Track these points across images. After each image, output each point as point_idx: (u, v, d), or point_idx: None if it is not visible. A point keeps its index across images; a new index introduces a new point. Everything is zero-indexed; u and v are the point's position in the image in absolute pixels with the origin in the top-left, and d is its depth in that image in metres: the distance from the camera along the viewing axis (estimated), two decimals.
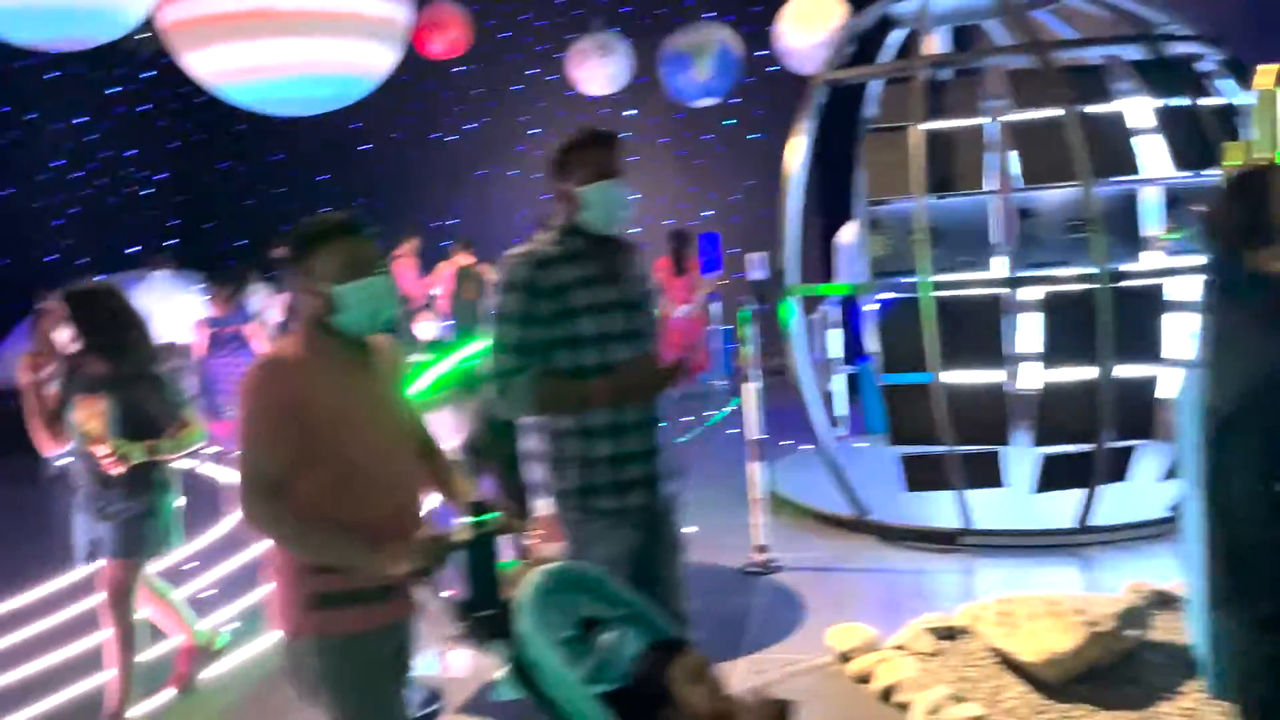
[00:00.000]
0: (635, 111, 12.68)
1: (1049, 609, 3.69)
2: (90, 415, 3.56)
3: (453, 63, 10.94)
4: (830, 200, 8.10)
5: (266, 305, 9.55)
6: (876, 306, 7.69)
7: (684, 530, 2.86)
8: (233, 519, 6.94)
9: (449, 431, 4.69)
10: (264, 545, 6.00)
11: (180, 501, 3.96)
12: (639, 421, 2.63)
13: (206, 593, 5.45)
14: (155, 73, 13.14)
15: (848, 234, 8.42)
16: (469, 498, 2.23)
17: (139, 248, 12.77)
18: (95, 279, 3.85)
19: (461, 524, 1.94)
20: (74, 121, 12.73)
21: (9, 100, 10.52)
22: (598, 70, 9.19)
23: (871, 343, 7.58)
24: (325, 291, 2.20)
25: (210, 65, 6.25)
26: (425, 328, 10.73)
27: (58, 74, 12.28)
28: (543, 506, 1.97)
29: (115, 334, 3.65)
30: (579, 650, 1.70)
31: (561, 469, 2.63)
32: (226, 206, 13.60)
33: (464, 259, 10.57)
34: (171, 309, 8.41)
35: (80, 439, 3.61)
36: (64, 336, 3.62)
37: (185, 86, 13.25)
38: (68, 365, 3.67)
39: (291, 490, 2.11)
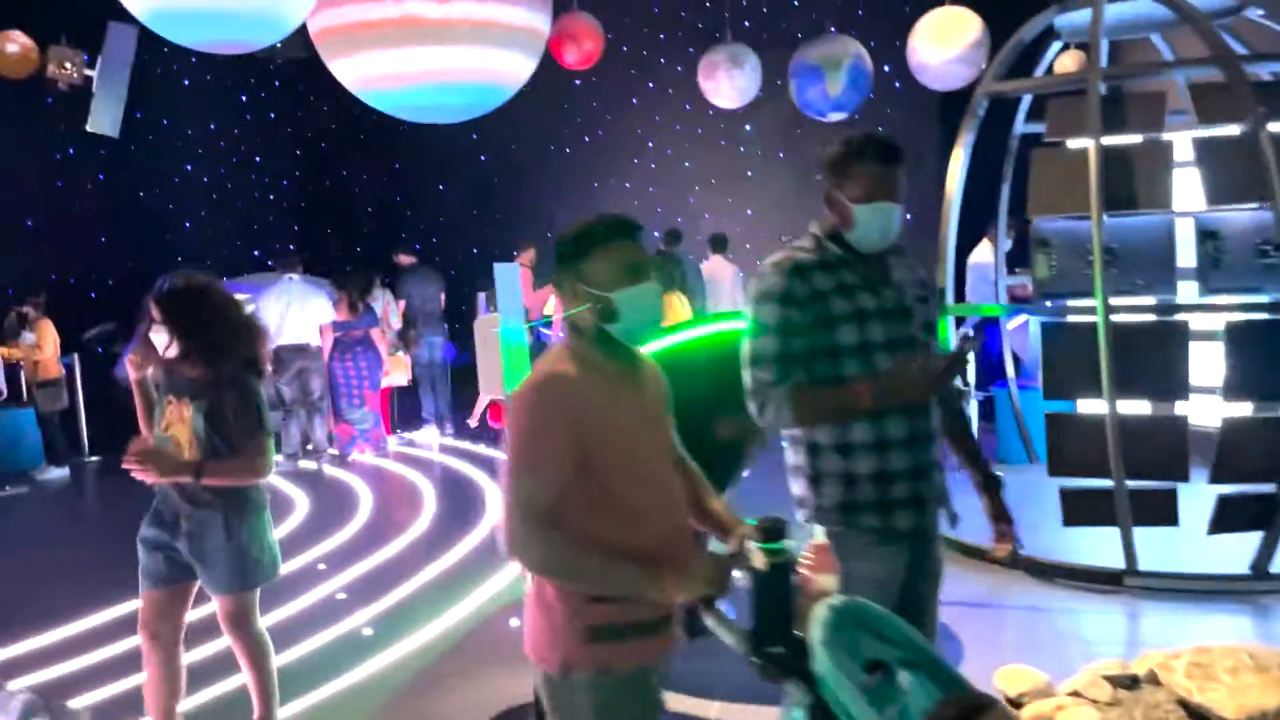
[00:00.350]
0: (750, 127, 12.57)
1: (1252, 663, 3.40)
2: (174, 420, 3.26)
3: (572, 74, 10.97)
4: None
5: (387, 310, 9.66)
6: (1014, 328, 7.47)
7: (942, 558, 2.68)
8: (359, 521, 6.98)
9: None
10: (386, 555, 6.07)
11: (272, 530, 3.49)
12: (906, 437, 2.46)
13: (339, 596, 5.44)
14: (279, 83, 13.54)
15: (980, 253, 8.15)
16: (732, 520, 2.10)
17: (259, 251, 13.14)
18: (191, 274, 3.36)
19: (754, 549, 1.80)
20: (206, 127, 13.13)
21: (146, 106, 10.89)
22: (727, 82, 9.06)
23: (1011, 366, 7.30)
24: (603, 298, 2.06)
25: (356, 72, 6.32)
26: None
27: (187, 82, 12.71)
28: (818, 534, 1.82)
29: (207, 336, 3.25)
30: (870, 696, 1.55)
31: (820, 486, 2.49)
32: (346, 213, 13.88)
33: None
34: (306, 312, 8.54)
35: (161, 444, 3.28)
36: (161, 339, 3.26)
37: (311, 94, 13.74)
38: (165, 366, 3.36)
39: (560, 515, 1.97)
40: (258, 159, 13.72)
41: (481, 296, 11.85)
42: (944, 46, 8.81)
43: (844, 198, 2.47)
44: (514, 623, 4.89)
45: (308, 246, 12.44)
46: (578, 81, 12.01)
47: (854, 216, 2.46)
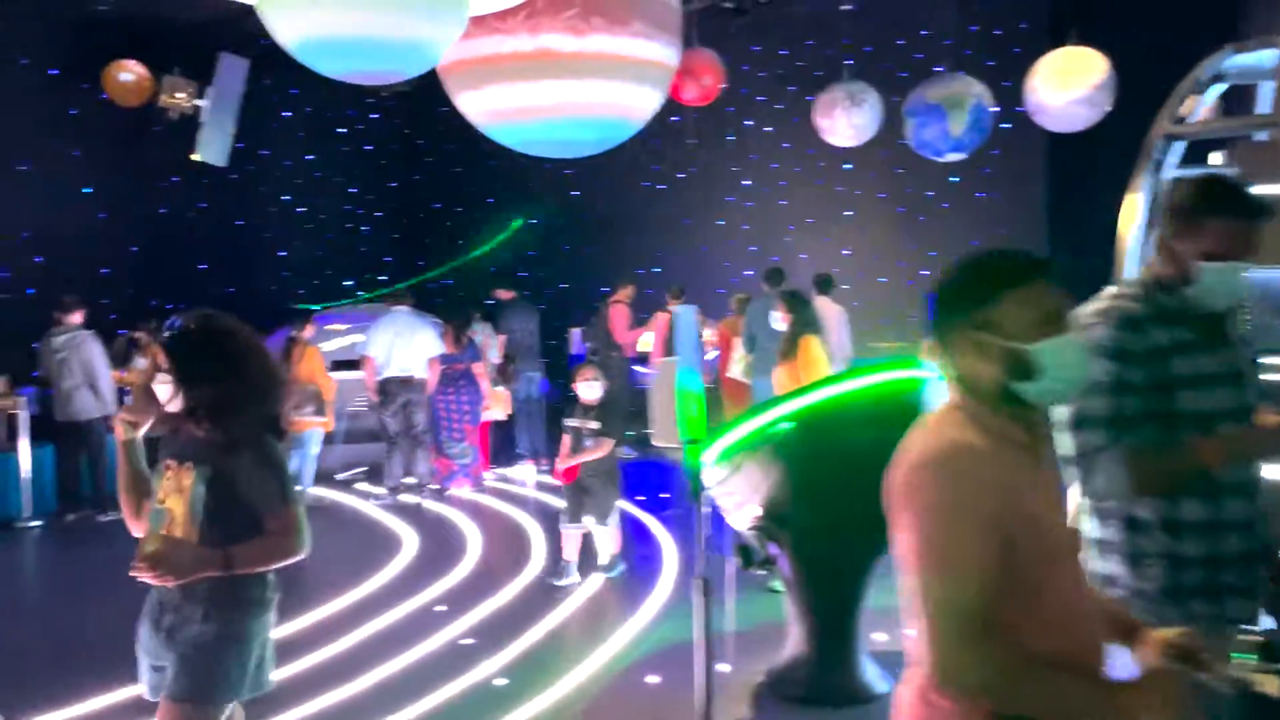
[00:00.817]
0: (849, 165, 12.36)
1: None
2: (170, 491, 2.69)
3: (668, 110, 10.85)
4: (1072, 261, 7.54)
5: (487, 344, 9.56)
6: None
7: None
8: (473, 556, 6.78)
9: (747, 497, 4.35)
10: (505, 598, 5.85)
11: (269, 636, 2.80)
12: (1244, 520, 2.21)
13: (465, 641, 5.24)
14: (376, 115, 13.65)
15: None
16: (1133, 621, 1.85)
17: (351, 281, 13.19)
18: (214, 313, 2.78)
19: (1256, 671, 1.56)
20: (303, 158, 13.26)
21: (247, 136, 11.00)
22: (844, 119, 8.88)
23: None
24: (1019, 351, 1.70)
25: (484, 105, 6.24)
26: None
27: (288, 114, 12.86)
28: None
29: (217, 388, 2.68)
30: None
31: (1139, 566, 2.23)
32: (438, 245, 13.90)
33: (676, 308, 10.39)
34: (413, 345, 8.48)
35: (155, 518, 2.69)
36: (166, 389, 2.72)
37: (406, 127, 13.83)
38: (168, 424, 2.79)
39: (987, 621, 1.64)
40: (352, 190, 13.81)
41: (575, 333, 11.74)
42: (1067, 88, 8.55)
43: (1187, 251, 2.21)
44: (651, 680, 4.67)
45: (399, 278, 12.48)
46: (675, 117, 11.90)
47: (1198, 274, 2.20)
